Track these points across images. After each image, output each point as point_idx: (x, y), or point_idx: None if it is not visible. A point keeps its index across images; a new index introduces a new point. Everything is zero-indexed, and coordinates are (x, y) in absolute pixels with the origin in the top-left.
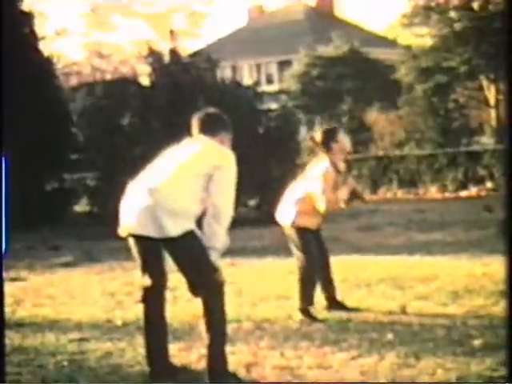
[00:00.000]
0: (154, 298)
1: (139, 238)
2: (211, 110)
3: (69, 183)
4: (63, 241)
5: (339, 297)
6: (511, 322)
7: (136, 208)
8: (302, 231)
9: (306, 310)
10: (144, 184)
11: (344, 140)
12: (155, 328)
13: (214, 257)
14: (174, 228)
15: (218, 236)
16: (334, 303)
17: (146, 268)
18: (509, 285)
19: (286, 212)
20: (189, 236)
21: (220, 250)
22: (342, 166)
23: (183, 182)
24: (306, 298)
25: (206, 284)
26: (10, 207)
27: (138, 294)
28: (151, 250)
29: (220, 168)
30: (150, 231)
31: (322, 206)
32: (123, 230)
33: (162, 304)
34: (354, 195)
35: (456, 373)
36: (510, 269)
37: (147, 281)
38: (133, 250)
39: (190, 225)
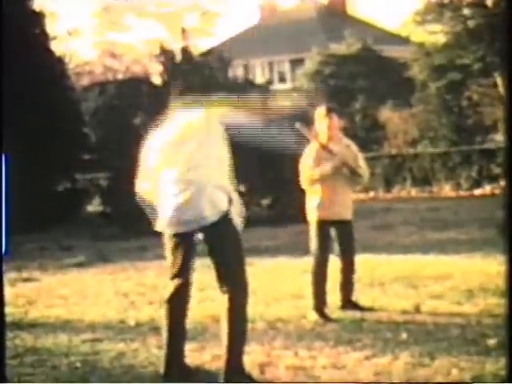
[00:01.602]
0: (180, 298)
1: (176, 234)
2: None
3: (81, 183)
4: (76, 241)
5: (354, 297)
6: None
7: (175, 203)
8: (318, 225)
9: (319, 310)
10: (174, 177)
11: (325, 118)
12: (177, 328)
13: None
14: (213, 213)
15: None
16: (347, 303)
17: (177, 265)
18: (510, 284)
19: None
20: (226, 221)
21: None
22: (332, 144)
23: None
24: (318, 298)
25: (235, 280)
26: (9, 207)
27: (151, 295)
28: (187, 247)
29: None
30: (192, 226)
31: (302, 181)
32: (162, 226)
33: (187, 303)
34: (348, 170)
35: (471, 372)
36: (510, 269)
37: (176, 280)
38: (167, 245)
39: (225, 204)
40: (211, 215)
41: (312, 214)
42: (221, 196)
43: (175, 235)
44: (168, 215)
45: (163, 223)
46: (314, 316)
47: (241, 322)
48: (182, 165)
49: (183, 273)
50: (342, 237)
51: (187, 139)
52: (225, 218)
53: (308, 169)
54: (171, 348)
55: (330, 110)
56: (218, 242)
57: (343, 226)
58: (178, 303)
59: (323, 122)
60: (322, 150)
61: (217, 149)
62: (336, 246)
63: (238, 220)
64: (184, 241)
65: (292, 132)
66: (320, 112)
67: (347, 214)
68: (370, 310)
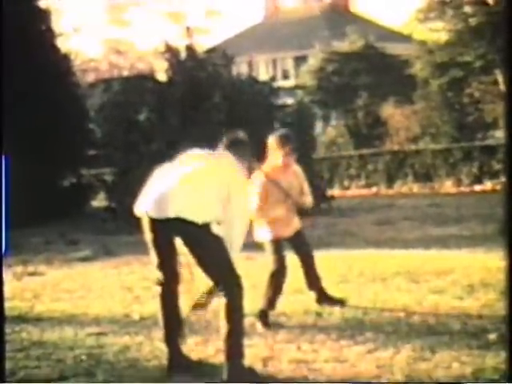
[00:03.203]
0: (168, 289)
1: (154, 223)
2: (240, 134)
3: (86, 178)
4: (81, 235)
5: (337, 292)
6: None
7: (158, 191)
8: (273, 243)
9: (264, 313)
10: (171, 171)
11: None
12: (172, 318)
13: (232, 253)
14: (196, 215)
15: (230, 240)
16: (323, 297)
17: (160, 258)
18: (510, 282)
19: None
20: (208, 227)
21: (236, 250)
22: (281, 175)
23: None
24: (269, 302)
25: (222, 278)
26: (9, 206)
27: (155, 289)
28: (164, 238)
29: (232, 197)
30: (169, 211)
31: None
32: (139, 210)
33: (176, 294)
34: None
35: (471, 366)
36: (510, 264)
37: (159, 274)
38: (146, 236)
39: (211, 218)
40: (197, 216)
41: (263, 236)
42: (214, 208)
43: (154, 223)
44: (152, 199)
45: (144, 205)
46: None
47: (238, 318)
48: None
49: (166, 263)
50: (296, 244)
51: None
52: (206, 226)
53: (257, 204)
54: (169, 337)
55: (286, 139)
56: (198, 246)
57: (294, 236)
58: (167, 291)
59: (278, 152)
60: (269, 182)
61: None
62: (293, 250)
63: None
64: (163, 232)
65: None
66: (275, 140)
67: (296, 228)
68: (343, 303)
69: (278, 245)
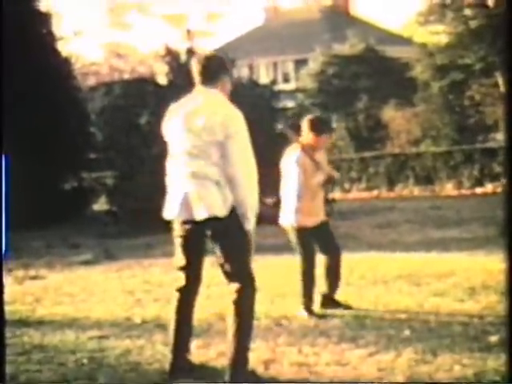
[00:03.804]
0: (188, 294)
1: (183, 225)
2: (209, 52)
3: (87, 182)
4: (82, 239)
5: (336, 295)
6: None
7: (181, 195)
8: (299, 231)
9: (309, 309)
10: (182, 175)
11: (312, 128)
12: (184, 324)
13: (248, 225)
14: (222, 208)
15: (244, 204)
16: (330, 301)
17: (186, 258)
18: (510, 284)
19: (285, 213)
20: (233, 215)
21: (250, 218)
22: (317, 153)
23: (209, 161)
24: (306, 297)
25: (244, 270)
26: (9, 206)
27: (157, 292)
28: (197, 241)
29: (230, 137)
30: (196, 214)
31: (298, 193)
32: (168, 215)
33: (194, 299)
34: (329, 181)
35: (473, 369)
36: (511, 267)
37: (183, 279)
38: (175, 239)
39: (232, 201)
40: (220, 210)
41: (289, 220)
42: (227, 191)
43: (184, 225)
44: (178, 202)
45: (172, 210)
46: (304, 315)
47: (248, 316)
48: (186, 157)
49: (193, 266)
50: (323, 238)
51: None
52: (232, 214)
53: (298, 175)
54: (177, 342)
55: (321, 122)
56: (225, 237)
57: (323, 228)
58: (186, 296)
59: (311, 133)
60: (307, 160)
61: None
62: (319, 247)
63: (249, 219)
64: (194, 233)
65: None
66: (310, 122)
67: (322, 216)
68: (349, 307)
69: (305, 233)
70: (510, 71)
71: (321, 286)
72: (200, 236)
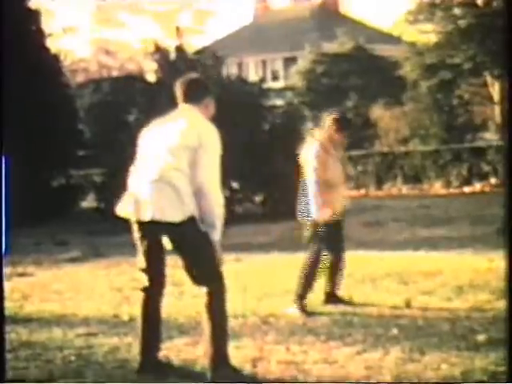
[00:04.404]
0: (153, 294)
1: (139, 226)
2: (193, 75)
3: (76, 179)
4: (70, 236)
5: (340, 292)
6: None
7: (139, 198)
8: (317, 225)
9: (303, 307)
10: (143, 176)
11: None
12: (152, 324)
13: (214, 235)
14: (177, 214)
15: (212, 213)
16: (331, 298)
17: (146, 261)
18: (509, 282)
19: (303, 207)
20: (191, 222)
21: (218, 227)
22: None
23: (176, 165)
24: (303, 295)
25: (209, 275)
26: (10, 207)
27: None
28: (151, 239)
29: (203, 146)
30: (143, 215)
31: (313, 187)
32: (119, 212)
33: (160, 300)
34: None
35: (460, 367)
36: (509, 267)
37: (146, 280)
38: (135, 241)
39: (192, 210)
40: (173, 215)
41: (308, 214)
42: (188, 199)
43: (140, 226)
44: (130, 201)
45: (123, 208)
46: (295, 312)
47: (221, 318)
48: (151, 163)
49: (153, 268)
50: (334, 235)
51: (165, 140)
52: (190, 222)
53: (318, 169)
54: (145, 342)
55: (343, 121)
56: (183, 244)
57: (337, 225)
58: (150, 296)
59: (331, 130)
60: (326, 154)
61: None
62: (326, 244)
63: (217, 229)
64: (149, 235)
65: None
66: (331, 118)
67: (340, 213)
68: (352, 303)
69: (323, 228)
70: (509, 70)
71: (325, 283)
72: (156, 239)
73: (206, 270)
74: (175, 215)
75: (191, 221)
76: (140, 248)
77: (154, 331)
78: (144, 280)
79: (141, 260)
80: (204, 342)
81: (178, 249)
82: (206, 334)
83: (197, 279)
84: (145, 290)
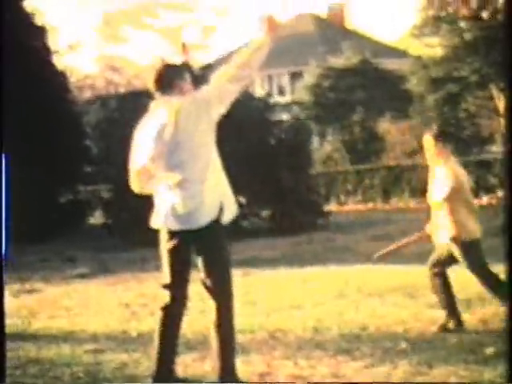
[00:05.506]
0: (175, 308)
1: (170, 239)
2: (161, 63)
3: (83, 195)
4: (78, 253)
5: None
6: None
7: (165, 207)
8: (463, 244)
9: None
10: (162, 182)
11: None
12: (168, 342)
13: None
14: (203, 217)
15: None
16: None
17: (172, 274)
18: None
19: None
20: (215, 226)
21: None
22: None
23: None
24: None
25: (221, 292)
26: (9, 206)
27: (153, 305)
28: (183, 254)
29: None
30: (182, 225)
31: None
32: (156, 224)
33: (181, 315)
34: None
35: (468, 380)
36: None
37: (171, 291)
38: (162, 248)
39: (215, 212)
40: (202, 219)
41: (442, 232)
42: (213, 200)
43: (171, 236)
44: (163, 212)
45: (159, 219)
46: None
47: (228, 334)
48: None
49: (179, 283)
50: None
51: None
52: (215, 224)
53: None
54: (162, 357)
55: (437, 136)
56: (207, 247)
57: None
58: (172, 313)
59: (430, 148)
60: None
61: (205, 146)
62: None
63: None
64: (180, 247)
65: None
66: (428, 139)
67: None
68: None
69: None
70: (510, 84)
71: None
72: (186, 249)
73: (222, 282)
74: (201, 220)
75: (216, 225)
76: (166, 262)
77: (172, 349)
78: (165, 297)
79: (165, 275)
80: (212, 357)
81: (202, 256)
82: (213, 349)
83: (212, 290)
84: (165, 308)
